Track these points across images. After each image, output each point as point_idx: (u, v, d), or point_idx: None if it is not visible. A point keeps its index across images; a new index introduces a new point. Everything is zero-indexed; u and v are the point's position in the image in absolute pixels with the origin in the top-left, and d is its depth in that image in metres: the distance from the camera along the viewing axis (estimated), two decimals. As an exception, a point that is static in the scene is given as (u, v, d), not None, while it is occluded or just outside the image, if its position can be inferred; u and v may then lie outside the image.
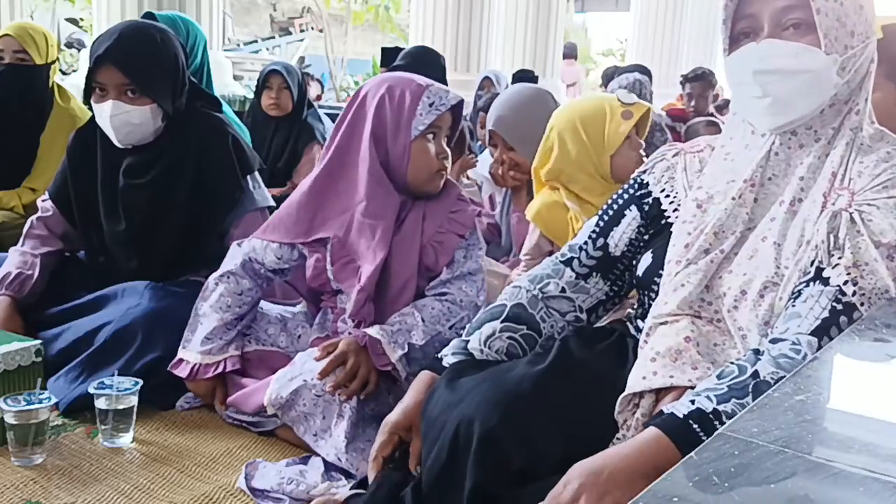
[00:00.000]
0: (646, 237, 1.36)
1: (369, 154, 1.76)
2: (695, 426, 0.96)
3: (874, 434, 0.71)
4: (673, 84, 8.12)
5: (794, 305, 1.09)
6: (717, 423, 0.95)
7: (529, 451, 1.10)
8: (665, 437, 0.97)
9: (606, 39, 19.67)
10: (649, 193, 1.36)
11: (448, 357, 1.33)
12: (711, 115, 4.64)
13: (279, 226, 1.84)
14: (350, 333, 1.74)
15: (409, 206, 1.82)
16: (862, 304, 1.06)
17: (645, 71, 5.50)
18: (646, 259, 1.32)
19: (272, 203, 2.15)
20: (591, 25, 20.32)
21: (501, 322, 1.33)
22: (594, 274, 1.38)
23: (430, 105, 1.75)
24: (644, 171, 1.39)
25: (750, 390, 0.98)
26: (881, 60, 1.25)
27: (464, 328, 1.74)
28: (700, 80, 4.78)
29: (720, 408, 0.97)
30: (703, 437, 0.94)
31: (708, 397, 0.99)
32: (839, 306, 1.06)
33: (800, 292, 1.09)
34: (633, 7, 11.10)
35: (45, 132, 2.78)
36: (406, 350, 1.66)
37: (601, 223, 1.40)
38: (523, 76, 5.99)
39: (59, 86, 2.87)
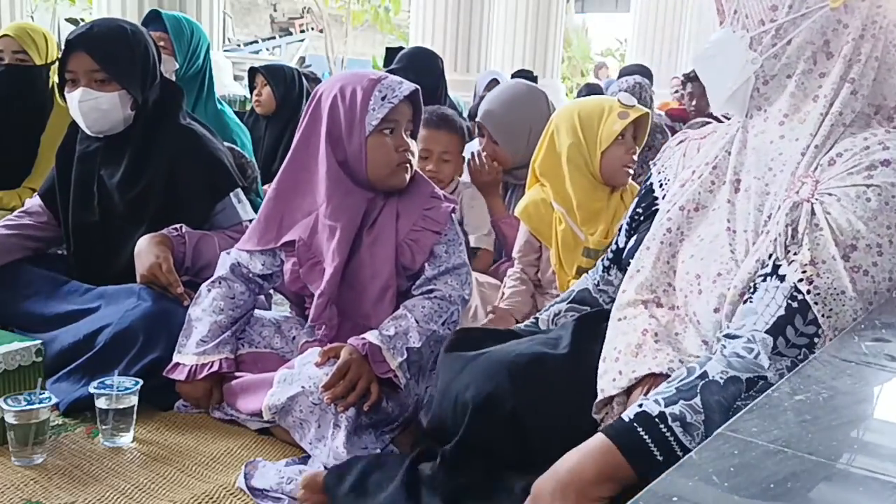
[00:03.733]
0: (637, 224, 1.41)
1: (326, 155, 1.76)
2: (639, 430, 0.98)
3: (874, 434, 0.71)
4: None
5: (751, 301, 1.06)
6: (662, 426, 0.96)
7: (523, 400, 1.18)
8: (609, 443, 0.99)
9: (606, 39, 19.67)
10: (650, 182, 1.40)
11: None
12: (711, 114, 4.63)
13: (252, 235, 1.86)
14: (324, 337, 1.76)
15: (382, 205, 1.81)
16: (816, 304, 1.01)
17: (645, 71, 5.51)
18: (630, 242, 1.39)
19: (253, 216, 2.16)
20: (591, 26, 20.32)
21: (568, 304, 1.52)
22: (613, 267, 1.50)
23: (383, 98, 1.74)
24: (655, 164, 1.42)
25: (698, 391, 0.98)
26: None
27: (455, 323, 1.77)
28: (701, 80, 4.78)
29: (667, 410, 0.98)
30: (647, 440, 0.96)
31: (656, 401, 1.00)
32: (794, 304, 1.02)
33: (756, 287, 1.07)
34: (633, 7, 11.12)
35: (45, 132, 2.78)
36: (405, 356, 1.66)
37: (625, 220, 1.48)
38: (522, 76, 6.00)
39: (59, 86, 2.87)
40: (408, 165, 1.80)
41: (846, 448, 0.66)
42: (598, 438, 1.00)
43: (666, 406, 0.98)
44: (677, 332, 1.17)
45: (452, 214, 1.84)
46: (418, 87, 1.81)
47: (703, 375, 1.00)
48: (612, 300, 1.42)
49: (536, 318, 1.54)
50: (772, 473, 0.62)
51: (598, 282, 1.51)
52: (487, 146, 2.53)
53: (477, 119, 2.59)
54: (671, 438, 0.96)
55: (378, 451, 1.62)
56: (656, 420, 0.97)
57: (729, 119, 1.28)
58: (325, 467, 1.56)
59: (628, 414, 1.00)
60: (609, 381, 1.17)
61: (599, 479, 0.97)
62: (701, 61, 1.23)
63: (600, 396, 1.18)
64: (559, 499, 0.98)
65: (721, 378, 0.98)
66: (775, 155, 1.14)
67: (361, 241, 1.78)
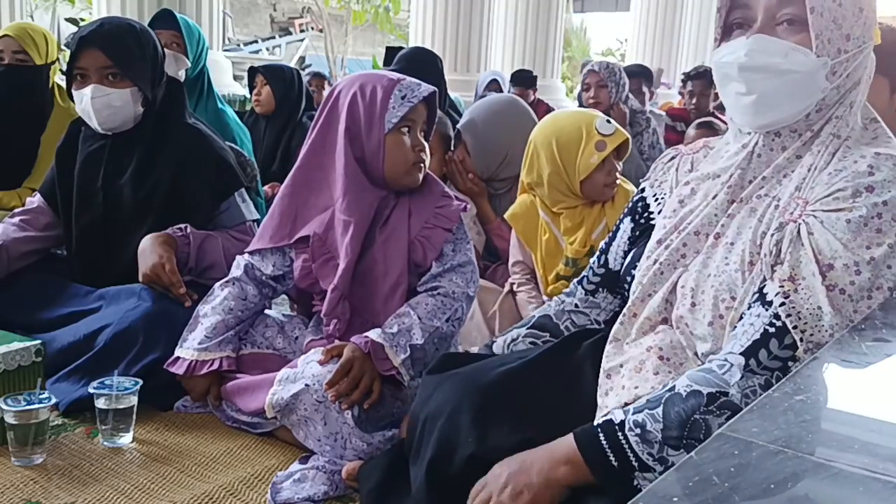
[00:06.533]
0: (632, 239, 1.37)
1: (344, 151, 1.77)
2: (600, 434, 1.02)
3: (874, 434, 0.71)
4: (672, 86, 8.11)
5: (737, 326, 1.08)
6: (619, 434, 1.01)
7: (481, 437, 1.16)
8: (573, 442, 1.04)
9: (606, 39, 19.66)
10: (643, 199, 1.36)
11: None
12: (712, 114, 4.62)
13: (264, 233, 1.87)
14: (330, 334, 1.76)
15: (394, 202, 1.82)
16: (789, 316, 1.01)
17: (645, 71, 5.51)
18: (627, 256, 1.35)
19: (257, 216, 2.18)
20: (590, 25, 20.32)
21: (527, 329, 1.45)
22: (601, 289, 1.44)
23: (403, 98, 1.75)
24: (646, 180, 1.39)
25: (662, 402, 1.02)
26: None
27: (459, 320, 1.77)
28: (702, 79, 4.77)
29: (630, 417, 1.02)
30: (604, 444, 1.01)
31: (625, 410, 1.04)
32: (772, 329, 1.02)
33: (743, 315, 1.08)
34: (632, 7, 11.09)
35: (45, 132, 2.78)
36: (409, 353, 1.66)
37: (607, 241, 1.43)
38: (522, 76, 5.99)
39: (59, 86, 2.87)
40: (422, 165, 1.81)
41: (846, 448, 0.66)
42: (567, 440, 1.05)
43: (633, 414, 1.02)
44: (680, 347, 1.17)
45: (462, 213, 1.85)
46: (436, 89, 1.82)
47: (671, 388, 1.03)
48: (589, 323, 1.42)
49: (491, 343, 1.48)
50: (772, 473, 0.62)
51: (578, 304, 1.45)
52: (459, 153, 2.53)
53: (459, 126, 2.58)
54: (626, 447, 1.00)
55: (389, 447, 1.62)
56: (616, 428, 1.02)
57: (721, 122, 1.27)
58: (361, 458, 1.58)
59: (597, 420, 1.04)
60: (614, 397, 1.16)
61: (559, 470, 1.03)
62: (763, 72, 1.12)
63: (604, 412, 1.16)
64: (518, 481, 1.04)
65: (684, 391, 1.01)
66: (788, 173, 1.14)
67: (374, 239, 1.79)
